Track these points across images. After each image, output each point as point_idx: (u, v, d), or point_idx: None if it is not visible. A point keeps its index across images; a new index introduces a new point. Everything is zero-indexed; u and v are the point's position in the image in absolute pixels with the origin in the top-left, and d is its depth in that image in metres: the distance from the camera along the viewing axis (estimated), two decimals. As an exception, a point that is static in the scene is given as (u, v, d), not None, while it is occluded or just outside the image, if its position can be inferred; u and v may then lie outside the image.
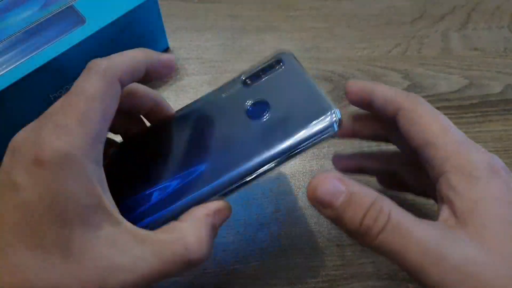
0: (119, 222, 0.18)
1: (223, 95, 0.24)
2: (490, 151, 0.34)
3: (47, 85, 0.30)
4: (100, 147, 0.18)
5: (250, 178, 0.21)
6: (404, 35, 0.39)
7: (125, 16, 0.31)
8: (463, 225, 0.18)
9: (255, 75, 0.24)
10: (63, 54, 0.28)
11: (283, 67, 0.24)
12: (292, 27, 0.40)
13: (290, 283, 0.27)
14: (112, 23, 0.30)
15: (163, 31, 0.36)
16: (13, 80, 0.27)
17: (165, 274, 0.18)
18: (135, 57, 0.20)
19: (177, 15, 0.40)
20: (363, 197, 0.18)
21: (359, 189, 0.18)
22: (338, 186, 0.18)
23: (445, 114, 0.34)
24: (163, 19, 0.35)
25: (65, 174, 0.17)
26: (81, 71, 0.33)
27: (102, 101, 0.18)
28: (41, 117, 0.19)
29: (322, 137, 0.21)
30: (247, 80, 0.24)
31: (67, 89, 0.31)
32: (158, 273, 0.18)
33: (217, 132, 0.23)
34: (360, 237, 0.18)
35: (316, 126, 0.21)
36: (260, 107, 0.23)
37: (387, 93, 0.23)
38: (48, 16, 0.30)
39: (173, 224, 0.20)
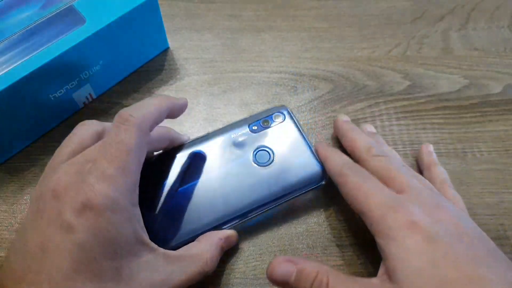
0: (154, 249, 0.22)
1: (232, 136, 0.29)
2: (490, 151, 0.34)
3: (47, 85, 0.30)
4: (137, 190, 0.22)
5: (254, 215, 0.27)
6: (404, 35, 0.39)
7: (125, 16, 0.31)
8: (391, 280, 0.21)
9: (261, 124, 0.30)
10: (63, 54, 0.28)
11: (283, 121, 0.30)
12: (292, 27, 0.40)
13: (290, 283, 0.27)
14: (112, 23, 0.30)
15: (163, 31, 0.36)
16: (13, 80, 0.27)
17: (189, 283, 0.23)
18: (160, 108, 0.24)
19: (177, 15, 0.40)
20: (309, 273, 0.22)
21: (305, 266, 0.23)
22: (289, 268, 0.23)
23: (445, 114, 0.35)
24: (163, 19, 0.35)
25: (114, 217, 0.20)
26: (81, 71, 0.33)
27: (138, 152, 0.22)
28: (79, 162, 0.22)
29: (313, 189, 0.28)
30: (253, 126, 0.30)
31: (67, 89, 0.31)
32: (185, 283, 0.23)
33: (226, 172, 0.28)
34: None
35: (309, 181, 0.28)
36: (265, 156, 0.28)
37: (329, 167, 0.27)
38: (48, 16, 0.30)
39: (193, 245, 0.25)
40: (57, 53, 0.28)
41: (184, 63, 0.37)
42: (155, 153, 0.29)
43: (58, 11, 0.31)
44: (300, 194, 0.28)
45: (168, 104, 0.25)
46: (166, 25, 0.36)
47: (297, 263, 0.23)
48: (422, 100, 0.35)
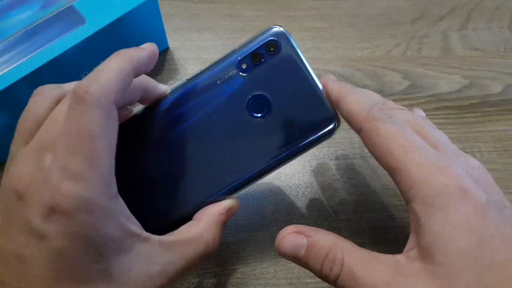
0: (147, 238, 0.20)
1: (219, 82, 0.23)
2: (490, 151, 0.34)
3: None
4: (113, 179, 0.19)
5: (258, 178, 0.23)
6: (404, 35, 0.39)
7: (125, 16, 0.31)
8: (423, 258, 0.18)
9: (251, 59, 0.23)
10: (63, 54, 0.28)
11: (279, 51, 0.23)
12: (292, 27, 0.40)
13: (290, 283, 0.27)
14: (112, 23, 0.30)
15: (163, 31, 0.36)
16: (13, 80, 0.27)
17: (190, 268, 0.21)
18: (122, 70, 0.19)
19: (177, 15, 0.40)
20: (320, 249, 0.20)
21: (316, 239, 0.20)
22: (299, 240, 0.20)
23: (445, 114, 0.34)
24: (163, 19, 0.35)
25: (91, 218, 0.17)
26: (81, 71, 0.33)
27: (106, 135, 0.18)
28: (36, 147, 0.18)
29: (324, 139, 0.22)
30: (242, 64, 0.23)
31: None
32: (186, 269, 0.21)
33: (218, 128, 0.23)
34: (324, 280, 0.20)
35: (319, 128, 0.22)
36: (261, 104, 0.23)
37: (350, 107, 0.21)
38: (48, 16, 0.30)
39: (191, 225, 0.22)
40: (57, 53, 0.28)
41: (184, 63, 0.37)
42: (132, 108, 0.25)
43: (58, 11, 0.31)
44: (310, 147, 0.22)
45: (131, 61, 0.20)
46: (166, 25, 0.36)
47: (308, 235, 0.20)
48: (422, 100, 0.35)
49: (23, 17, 0.30)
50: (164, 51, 0.38)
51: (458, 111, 0.35)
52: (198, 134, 0.23)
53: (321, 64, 0.37)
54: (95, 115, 0.18)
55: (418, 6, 0.41)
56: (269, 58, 0.23)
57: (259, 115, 0.23)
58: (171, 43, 0.38)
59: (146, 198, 0.23)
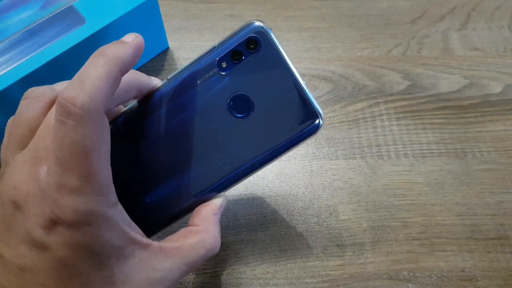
0: (147, 244, 0.20)
1: (199, 82, 0.23)
2: (490, 151, 0.34)
3: (46, 85, 0.30)
4: (111, 187, 0.19)
5: (246, 175, 0.23)
6: (404, 35, 0.39)
7: (125, 16, 0.31)
8: None
9: (231, 58, 0.23)
10: (63, 54, 0.28)
11: (260, 48, 0.22)
12: (292, 27, 0.40)
13: (290, 283, 0.27)
14: (112, 23, 0.30)
15: (163, 31, 0.36)
16: (13, 80, 0.27)
17: (191, 271, 0.22)
18: (109, 75, 0.18)
19: (177, 15, 0.40)
20: None
21: None
22: None
23: (445, 114, 0.35)
24: (163, 19, 0.35)
25: (93, 229, 0.18)
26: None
27: (100, 147, 0.17)
28: (30, 157, 0.18)
29: (308, 137, 0.22)
30: (222, 63, 0.23)
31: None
32: (187, 273, 0.21)
33: (202, 128, 0.23)
34: None
35: (302, 126, 0.22)
36: (242, 104, 0.23)
37: None
38: (48, 16, 0.30)
39: (190, 231, 0.22)
40: (57, 53, 0.28)
41: (184, 63, 0.37)
42: (122, 107, 0.25)
43: (58, 11, 0.31)
44: (295, 145, 0.22)
45: (118, 63, 0.19)
46: (166, 25, 0.36)
47: None
48: (422, 100, 0.35)
49: (23, 17, 0.30)
50: (164, 51, 0.38)
51: (458, 111, 0.35)
52: (183, 134, 0.23)
53: (321, 64, 0.37)
54: (87, 130, 0.17)
55: (418, 6, 0.41)
56: (249, 55, 0.22)
57: (241, 114, 0.23)
58: (171, 43, 0.38)
59: (137, 196, 0.23)
